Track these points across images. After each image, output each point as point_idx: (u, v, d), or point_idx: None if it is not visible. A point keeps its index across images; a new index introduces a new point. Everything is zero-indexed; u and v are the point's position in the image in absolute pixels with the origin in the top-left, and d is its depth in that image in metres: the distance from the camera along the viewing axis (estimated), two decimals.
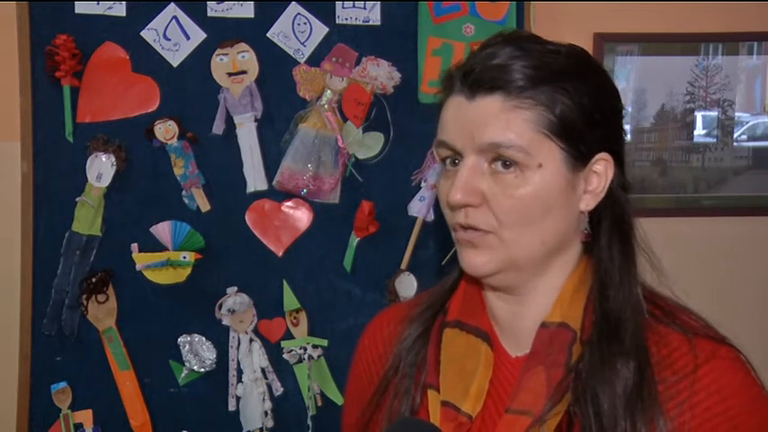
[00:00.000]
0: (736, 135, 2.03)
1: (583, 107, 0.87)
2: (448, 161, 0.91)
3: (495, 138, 0.85)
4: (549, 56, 0.88)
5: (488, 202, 0.87)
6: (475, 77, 0.87)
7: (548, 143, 0.86)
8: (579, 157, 0.88)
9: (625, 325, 0.88)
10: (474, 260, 0.89)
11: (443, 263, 1.79)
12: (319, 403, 1.85)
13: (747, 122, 2.03)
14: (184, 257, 1.80)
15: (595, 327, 0.89)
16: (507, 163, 0.86)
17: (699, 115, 2.02)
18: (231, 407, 1.84)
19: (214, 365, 1.82)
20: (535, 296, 0.93)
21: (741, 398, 0.87)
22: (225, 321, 1.83)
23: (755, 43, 2.00)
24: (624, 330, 0.88)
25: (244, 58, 1.81)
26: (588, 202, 0.90)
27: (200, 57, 1.81)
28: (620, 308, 0.89)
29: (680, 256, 1.94)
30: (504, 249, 0.88)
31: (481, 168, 0.87)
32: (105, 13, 1.79)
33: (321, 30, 1.83)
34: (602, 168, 0.90)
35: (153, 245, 1.81)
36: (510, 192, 0.86)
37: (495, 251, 0.88)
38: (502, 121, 0.86)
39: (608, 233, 0.92)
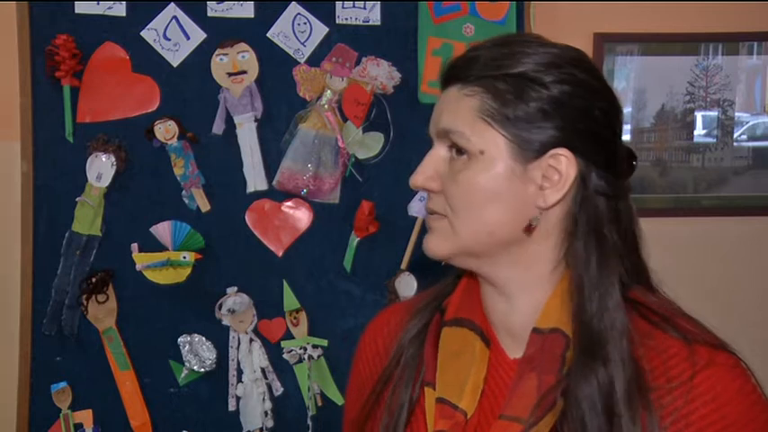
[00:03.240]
0: (736, 135, 2.03)
1: (531, 98, 0.86)
2: None
3: (445, 124, 0.90)
4: (515, 52, 0.88)
5: (443, 188, 0.91)
6: (445, 69, 0.93)
7: (490, 131, 0.87)
8: (527, 148, 0.87)
9: (604, 336, 0.86)
10: (428, 244, 0.94)
11: (443, 263, 1.79)
12: (319, 403, 1.85)
13: (747, 122, 2.03)
14: (184, 257, 1.80)
15: (578, 338, 0.88)
16: (460, 150, 0.89)
17: (699, 115, 2.02)
18: (231, 407, 1.84)
19: (214, 365, 1.82)
20: (515, 292, 0.92)
21: (738, 405, 0.85)
22: (225, 321, 1.83)
23: (755, 43, 2.00)
24: (603, 342, 0.86)
25: (244, 58, 1.81)
26: (546, 199, 0.88)
27: (200, 57, 1.81)
28: (597, 320, 0.87)
29: (680, 256, 1.95)
30: (454, 235, 0.91)
31: (442, 155, 0.92)
32: (105, 13, 1.79)
33: (321, 30, 1.83)
34: (561, 165, 0.88)
35: (153, 245, 1.81)
36: (456, 176, 0.89)
37: (446, 236, 0.91)
38: (452, 108, 0.90)
39: (583, 240, 0.89)
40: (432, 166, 0.92)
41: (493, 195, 0.88)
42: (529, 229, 0.90)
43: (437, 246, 0.93)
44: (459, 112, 0.89)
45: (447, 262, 0.95)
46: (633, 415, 0.83)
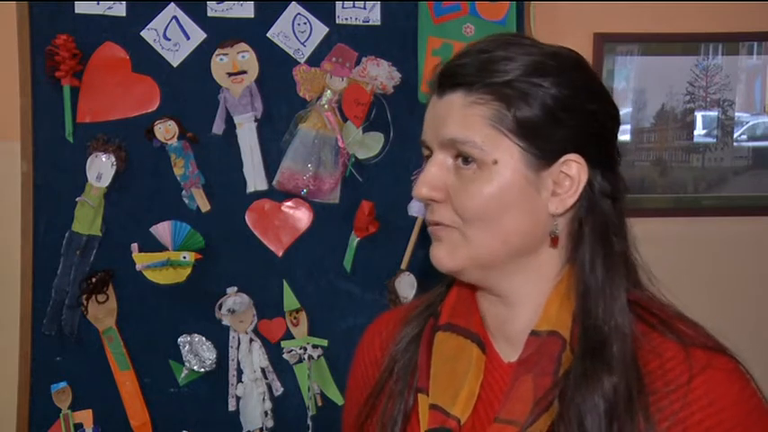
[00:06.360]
0: (736, 135, 2.02)
1: (544, 105, 0.85)
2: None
3: (453, 133, 0.87)
4: (517, 56, 0.87)
5: (450, 198, 0.88)
6: (443, 74, 0.89)
7: (504, 140, 0.86)
8: (541, 156, 0.86)
9: (609, 340, 0.85)
10: (437, 253, 0.90)
11: None
12: (319, 403, 1.85)
13: (747, 122, 2.03)
14: (184, 257, 1.80)
15: (580, 341, 0.87)
16: (468, 159, 0.87)
17: (699, 115, 2.02)
18: (231, 407, 1.84)
19: (214, 365, 1.82)
20: (519, 300, 0.92)
21: (736, 410, 0.84)
22: (225, 321, 1.83)
23: (755, 43, 2.00)
24: (608, 346, 0.85)
25: (244, 58, 1.81)
26: (557, 206, 0.88)
27: (200, 57, 1.81)
28: (602, 323, 0.86)
29: (680, 256, 1.95)
30: (467, 246, 0.88)
31: (447, 164, 0.89)
32: (105, 13, 1.79)
33: (321, 30, 1.83)
34: (572, 171, 0.87)
35: (153, 245, 1.81)
36: (467, 187, 0.87)
37: (458, 247, 0.89)
38: (459, 116, 0.87)
39: (590, 243, 0.89)
40: (436, 177, 0.88)
41: (507, 205, 0.86)
42: (554, 241, 0.89)
43: (448, 257, 0.89)
44: (469, 120, 0.86)
45: (454, 275, 0.93)
46: (632, 418, 0.83)
